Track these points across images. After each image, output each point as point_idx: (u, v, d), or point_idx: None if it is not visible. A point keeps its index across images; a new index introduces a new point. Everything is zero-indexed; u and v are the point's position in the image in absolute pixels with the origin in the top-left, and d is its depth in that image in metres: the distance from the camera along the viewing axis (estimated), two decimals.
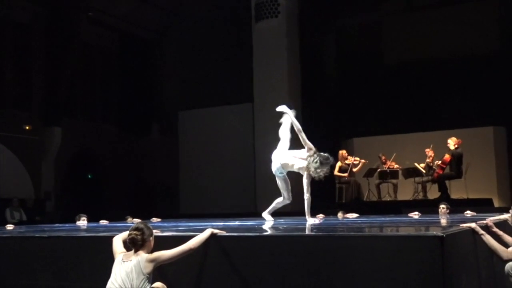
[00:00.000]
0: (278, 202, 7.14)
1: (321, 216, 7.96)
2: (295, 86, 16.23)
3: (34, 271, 5.14)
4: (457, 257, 4.03)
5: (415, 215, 8.07)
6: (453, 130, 14.30)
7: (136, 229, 4.27)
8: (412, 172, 13.95)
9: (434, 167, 13.46)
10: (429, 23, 16.86)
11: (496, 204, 13.60)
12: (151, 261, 4.18)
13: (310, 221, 6.66)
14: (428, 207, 10.46)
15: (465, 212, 8.22)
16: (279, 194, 7.22)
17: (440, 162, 13.26)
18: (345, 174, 13.93)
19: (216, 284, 4.31)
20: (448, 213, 8.36)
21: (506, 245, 4.65)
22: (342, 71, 17.95)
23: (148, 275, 4.17)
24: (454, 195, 13.47)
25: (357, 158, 14.02)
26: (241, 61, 17.18)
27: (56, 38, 16.67)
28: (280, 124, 7.38)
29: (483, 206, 11.87)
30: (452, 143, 13.06)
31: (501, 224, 5.34)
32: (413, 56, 16.93)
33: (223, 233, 4.44)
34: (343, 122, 17.42)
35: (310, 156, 6.51)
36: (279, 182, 7.02)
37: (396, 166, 14.23)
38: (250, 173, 16.50)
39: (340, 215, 8.48)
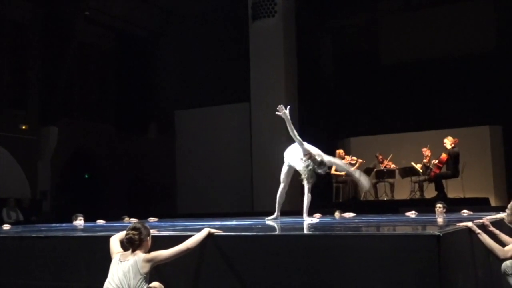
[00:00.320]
0: (280, 197, 7.14)
1: (318, 215, 7.98)
2: (292, 86, 16.23)
3: (31, 271, 5.13)
4: (454, 256, 4.04)
5: (412, 214, 8.09)
6: (449, 130, 14.34)
7: (134, 228, 4.27)
8: (408, 172, 13.98)
9: (431, 167, 13.48)
10: (425, 23, 16.91)
11: (493, 203, 13.63)
12: (149, 261, 4.18)
13: (307, 220, 6.67)
14: (425, 206, 10.49)
15: (462, 211, 8.23)
16: (276, 194, 7.23)
17: (436, 161, 13.29)
18: (342, 173, 13.93)
19: (213, 283, 4.31)
20: (445, 212, 8.37)
21: (503, 244, 4.66)
22: (339, 71, 17.97)
23: (145, 275, 4.16)
24: (450, 194, 13.50)
25: (354, 158, 14.04)
26: (238, 61, 17.17)
27: (53, 37, 16.63)
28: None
29: (479, 205, 11.90)
30: (448, 142, 13.08)
31: (498, 223, 5.35)
32: (409, 56, 16.96)
33: (220, 232, 4.44)
34: (340, 121, 17.44)
35: (304, 161, 6.52)
36: (285, 168, 7.03)
37: (393, 166, 14.25)
38: (247, 173, 16.50)
39: (337, 214, 8.50)
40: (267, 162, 15.52)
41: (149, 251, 4.26)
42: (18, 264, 5.23)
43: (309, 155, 6.58)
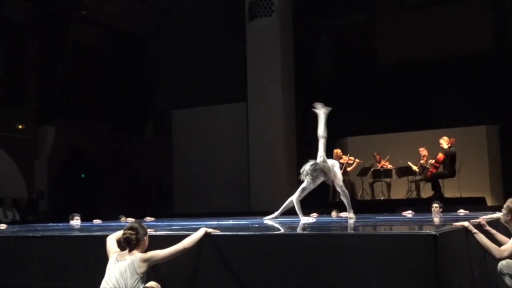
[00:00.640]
0: (290, 202, 7.13)
1: (315, 215, 7.99)
2: (288, 85, 16.24)
3: (27, 271, 5.12)
4: (450, 255, 4.05)
5: (408, 214, 8.11)
6: (446, 129, 14.36)
7: (131, 228, 4.27)
8: (405, 171, 13.99)
9: (427, 166, 13.50)
10: (422, 23, 16.92)
11: (489, 202, 13.66)
12: (145, 260, 4.18)
13: (304, 220, 6.68)
14: (422, 205, 10.50)
15: (458, 211, 8.25)
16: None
17: (433, 161, 13.31)
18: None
19: (210, 283, 4.31)
20: (441, 212, 8.39)
21: (499, 244, 4.66)
22: (336, 70, 17.97)
23: (142, 275, 4.16)
24: (447, 194, 13.53)
25: (352, 158, 14.04)
26: (234, 60, 17.17)
27: (49, 37, 16.61)
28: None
29: (476, 204, 11.93)
30: (444, 142, 13.10)
31: (494, 223, 5.36)
32: (407, 56, 16.98)
33: (217, 232, 4.44)
34: (336, 121, 17.32)
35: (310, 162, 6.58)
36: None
37: (390, 166, 14.27)
38: (244, 172, 16.49)
39: (334, 214, 8.51)
40: (264, 161, 15.56)
41: (146, 251, 4.26)
42: (14, 264, 5.22)
43: (322, 158, 6.58)
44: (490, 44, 16.19)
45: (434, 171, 13.34)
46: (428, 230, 3.79)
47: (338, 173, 7.19)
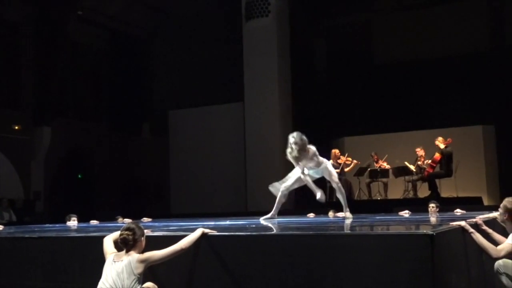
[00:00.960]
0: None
1: (312, 215, 7.99)
2: (285, 85, 16.25)
3: (24, 272, 5.11)
4: (447, 255, 4.05)
5: (405, 213, 8.12)
6: (443, 129, 14.38)
7: (128, 229, 4.26)
8: (402, 171, 14.01)
9: (424, 166, 13.53)
10: (419, 23, 16.95)
11: (486, 202, 13.69)
12: (142, 261, 4.17)
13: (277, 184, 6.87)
14: (418, 205, 10.51)
15: (455, 211, 8.26)
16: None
17: (430, 161, 13.33)
18: (337, 170, 13.84)
19: (207, 283, 4.31)
20: (438, 212, 8.40)
21: (496, 243, 4.67)
22: (332, 70, 17.99)
23: (139, 276, 4.16)
24: (444, 194, 13.55)
25: (349, 159, 14.05)
26: (231, 60, 17.17)
27: (46, 37, 16.59)
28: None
29: (472, 204, 11.95)
30: (439, 143, 13.13)
31: (491, 222, 5.37)
32: (403, 55, 17.01)
33: (214, 232, 4.44)
34: (333, 121, 17.46)
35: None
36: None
37: (388, 166, 14.28)
38: (241, 173, 16.50)
39: (331, 214, 8.51)
40: (261, 162, 15.55)
41: (143, 252, 4.26)
42: (11, 265, 5.21)
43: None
44: (486, 44, 16.23)
45: (431, 171, 13.37)
46: (425, 230, 3.80)
47: (333, 171, 7.21)
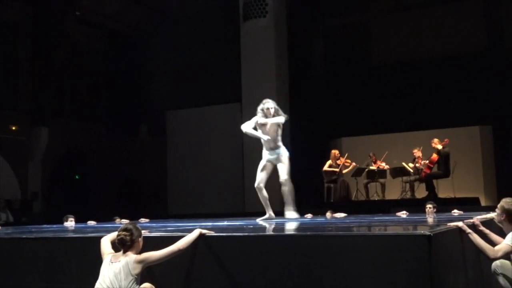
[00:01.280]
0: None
1: (309, 215, 7.99)
2: (283, 86, 16.24)
3: (21, 273, 5.09)
4: (444, 256, 4.06)
5: (403, 214, 8.12)
6: (440, 130, 14.41)
7: (125, 229, 4.25)
8: (399, 172, 14.03)
9: (421, 167, 13.54)
10: (417, 23, 16.98)
11: (483, 203, 13.71)
12: (140, 262, 4.17)
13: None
14: (416, 206, 10.51)
15: (452, 211, 8.26)
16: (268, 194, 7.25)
17: (427, 161, 13.35)
18: (336, 170, 13.85)
19: (205, 284, 4.30)
20: (435, 212, 8.41)
21: (493, 244, 4.68)
22: (330, 71, 18.00)
23: (136, 276, 4.15)
24: (441, 194, 13.57)
25: (348, 161, 14.06)
26: (229, 61, 17.17)
27: (43, 37, 16.56)
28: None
29: (470, 205, 11.96)
30: (435, 144, 13.15)
31: (488, 223, 5.38)
32: (401, 56, 17.03)
33: (212, 233, 4.43)
34: (331, 121, 17.47)
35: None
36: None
37: (386, 166, 14.29)
38: (239, 173, 16.47)
39: (328, 214, 8.50)
40: (259, 162, 15.53)
41: (140, 252, 4.25)
42: (8, 265, 5.19)
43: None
44: (483, 44, 16.26)
45: (428, 171, 13.38)
46: (422, 231, 3.80)
47: (287, 163, 7.35)
